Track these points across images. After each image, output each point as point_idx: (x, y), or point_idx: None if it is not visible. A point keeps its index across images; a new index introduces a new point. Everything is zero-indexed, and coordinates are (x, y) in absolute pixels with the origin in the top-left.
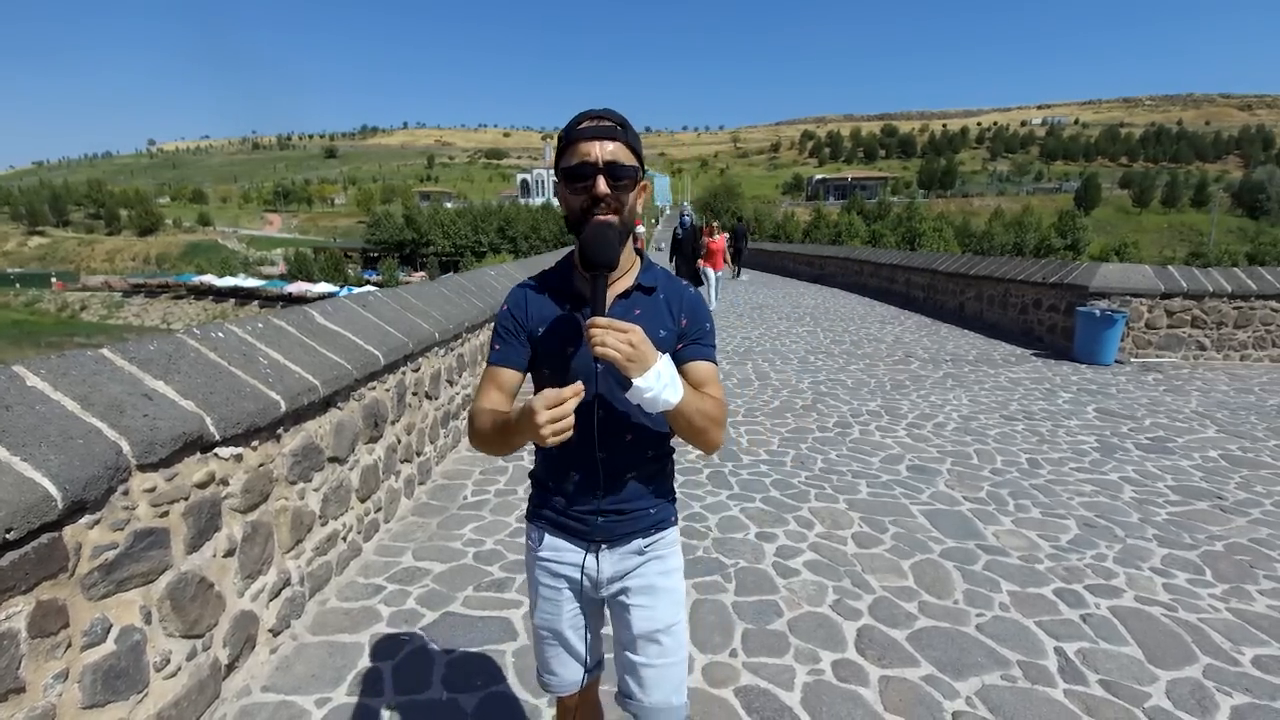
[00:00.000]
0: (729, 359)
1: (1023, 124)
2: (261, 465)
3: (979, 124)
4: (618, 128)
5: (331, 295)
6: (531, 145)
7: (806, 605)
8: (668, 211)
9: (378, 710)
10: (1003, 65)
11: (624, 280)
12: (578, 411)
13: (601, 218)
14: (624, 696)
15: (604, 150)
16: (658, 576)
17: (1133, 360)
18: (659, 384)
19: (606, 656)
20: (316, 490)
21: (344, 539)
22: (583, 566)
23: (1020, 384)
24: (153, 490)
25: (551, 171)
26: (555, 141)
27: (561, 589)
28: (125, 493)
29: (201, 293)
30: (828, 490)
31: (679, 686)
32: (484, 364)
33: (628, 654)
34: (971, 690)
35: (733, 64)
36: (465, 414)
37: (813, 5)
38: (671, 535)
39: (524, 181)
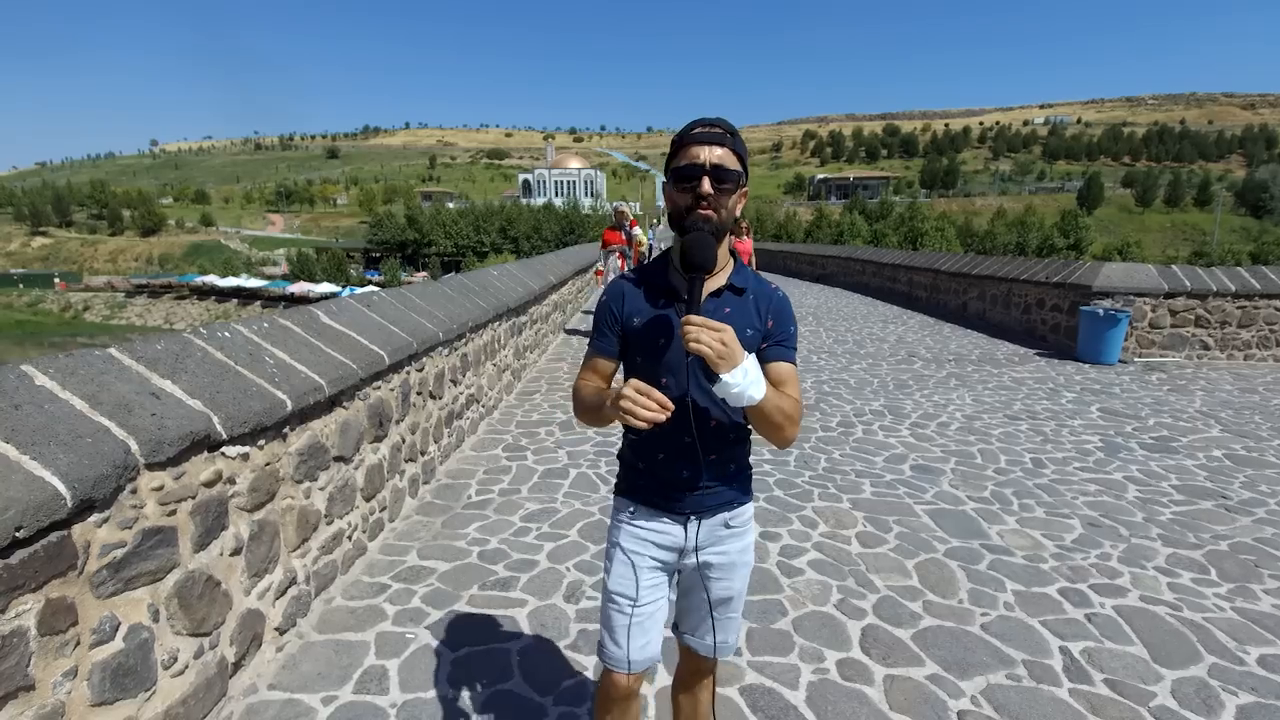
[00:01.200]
0: None
1: (1025, 123)
2: (268, 464)
3: (981, 123)
4: (726, 135)
5: (334, 295)
6: (533, 145)
7: (811, 604)
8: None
9: (384, 708)
10: (1005, 64)
11: (717, 279)
12: (670, 399)
13: (703, 212)
14: (686, 634)
15: (712, 154)
16: (739, 554)
17: (1136, 360)
18: (745, 380)
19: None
20: (322, 489)
21: (349, 538)
22: (669, 538)
23: (1024, 383)
24: (161, 489)
25: (554, 171)
26: (556, 141)
27: (646, 555)
28: (133, 491)
29: (204, 293)
30: (831, 490)
31: (736, 631)
32: (488, 364)
33: (698, 611)
34: (977, 689)
35: (734, 64)
36: (469, 414)
37: (814, 5)
38: (750, 510)
39: (526, 182)
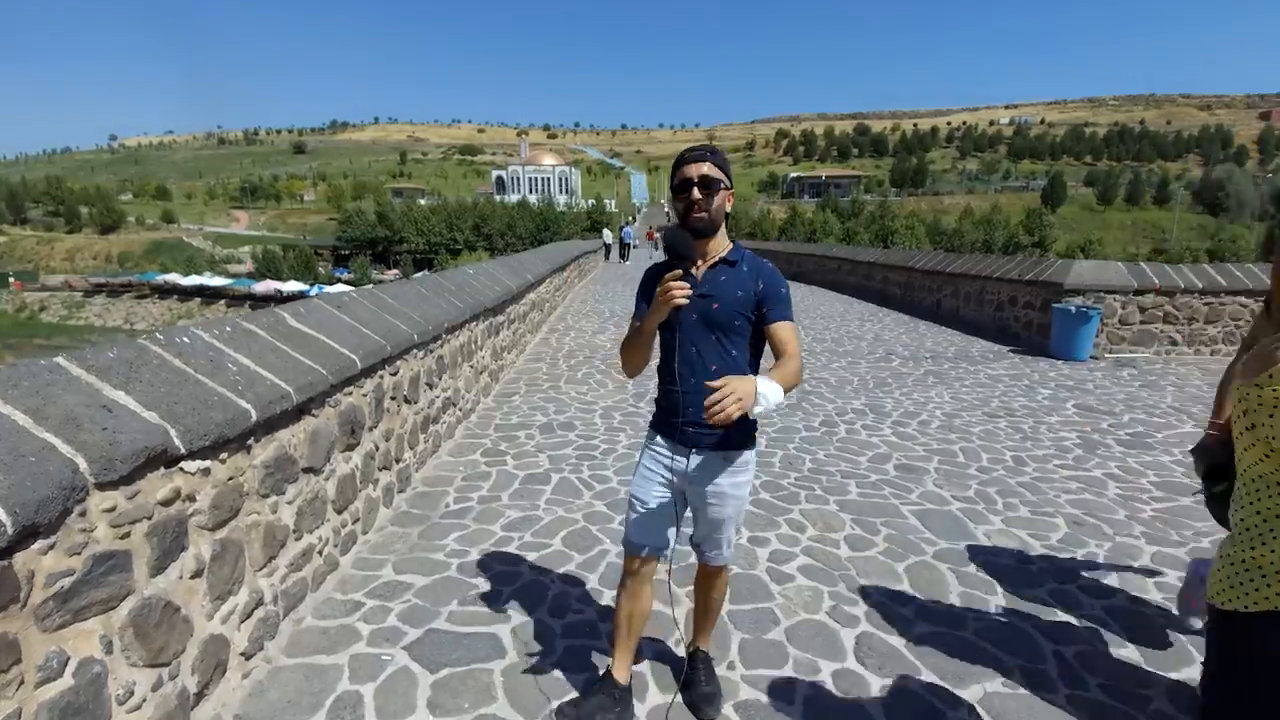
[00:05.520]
0: None
1: (991, 123)
2: (231, 479)
3: (949, 123)
4: (709, 153)
5: (302, 294)
6: (507, 141)
7: (803, 612)
8: (643, 210)
9: None
10: (971, 66)
11: (714, 257)
12: (672, 349)
13: (696, 214)
14: (696, 545)
15: (699, 169)
16: (730, 487)
17: (1107, 356)
18: (767, 402)
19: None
20: (290, 503)
21: (320, 553)
22: (675, 463)
23: (1000, 380)
24: (113, 510)
25: (527, 168)
26: (530, 138)
27: (656, 473)
28: (82, 514)
29: (166, 292)
30: (817, 491)
31: (728, 545)
32: (465, 366)
33: (701, 529)
34: (974, 698)
35: (708, 63)
36: (445, 418)
37: (789, 6)
38: (748, 456)
39: (499, 178)
